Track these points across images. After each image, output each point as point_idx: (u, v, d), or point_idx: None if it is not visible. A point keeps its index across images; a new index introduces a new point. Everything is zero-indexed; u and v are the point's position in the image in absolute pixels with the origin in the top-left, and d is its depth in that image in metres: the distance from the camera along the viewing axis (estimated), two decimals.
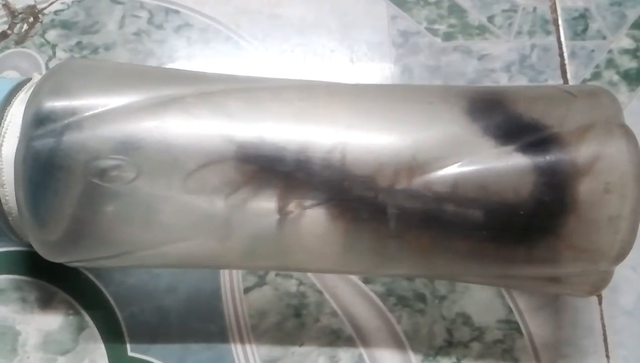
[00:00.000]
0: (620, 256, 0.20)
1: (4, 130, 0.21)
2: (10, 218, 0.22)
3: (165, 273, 0.26)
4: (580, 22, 0.30)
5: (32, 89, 0.22)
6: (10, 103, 0.22)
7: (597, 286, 0.22)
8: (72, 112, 0.20)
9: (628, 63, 0.30)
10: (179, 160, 0.20)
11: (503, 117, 0.21)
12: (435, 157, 0.20)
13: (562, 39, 0.30)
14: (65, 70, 0.22)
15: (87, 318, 0.26)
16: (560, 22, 0.30)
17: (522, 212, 0.20)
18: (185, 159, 0.20)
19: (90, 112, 0.20)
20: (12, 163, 0.21)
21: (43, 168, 0.20)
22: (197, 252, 0.22)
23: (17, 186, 0.20)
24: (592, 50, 0.30)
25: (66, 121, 0.20)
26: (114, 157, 0.20)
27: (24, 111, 0.21)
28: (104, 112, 0.20)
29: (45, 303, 0.26)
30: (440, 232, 0.21)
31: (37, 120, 0.20)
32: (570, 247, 0.20)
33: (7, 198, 0.21)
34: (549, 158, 0.20)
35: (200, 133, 0.20)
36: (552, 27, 0.30)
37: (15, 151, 0.20)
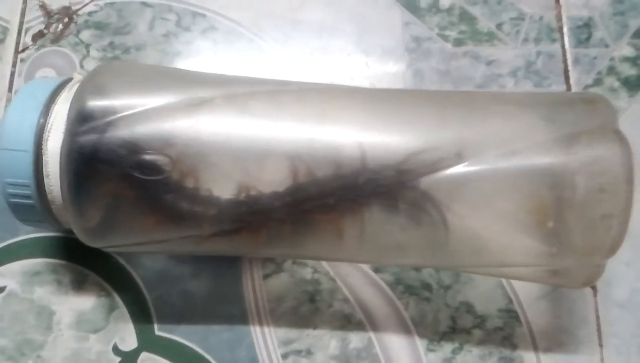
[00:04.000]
0: (612, 251, 0.21)
1: (49, 126, 0.22)
2: (53, 206, 0.22)
3: (190, 259, 0.27)
4: (584, 31, 0.30)
5: (74, 88, 0.22)
6: (54, 101, 0.22)
7: (590, 278, 0.22)
8: (113, 111, 0.21)
9: (628, 70, 0.30)
10: (208, 156, 0.21)
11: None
12: (443, 156, 0.21)
13: (567, 46, 0.30)
14: (106, 72, 0.22)
15: (118, 299, 0.27)
16: (565, 30, 0.30)
17: None
18: (215, 155, 0.21)
19: (130, 111, 0.21)
20: (57, 156, 0.21)
21: (86, 161, 0.21)
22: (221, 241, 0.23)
23: (61, 177, 0.21)
24: (595, 58, 0.30)
25: (108, 119, 0.21)
26: (151, 152, 0.21)
27: (68, 109, 0.21)
28: (142, 112, 0.21)
29: (79, 285, 0.27)
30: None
31: (81, 118, 0.21)
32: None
33: (51, 187, 0.22)
34: None
35: (228, 132, 0.21)
36: (557, 35, 0.30)
37: (60, 145, 0.21)
